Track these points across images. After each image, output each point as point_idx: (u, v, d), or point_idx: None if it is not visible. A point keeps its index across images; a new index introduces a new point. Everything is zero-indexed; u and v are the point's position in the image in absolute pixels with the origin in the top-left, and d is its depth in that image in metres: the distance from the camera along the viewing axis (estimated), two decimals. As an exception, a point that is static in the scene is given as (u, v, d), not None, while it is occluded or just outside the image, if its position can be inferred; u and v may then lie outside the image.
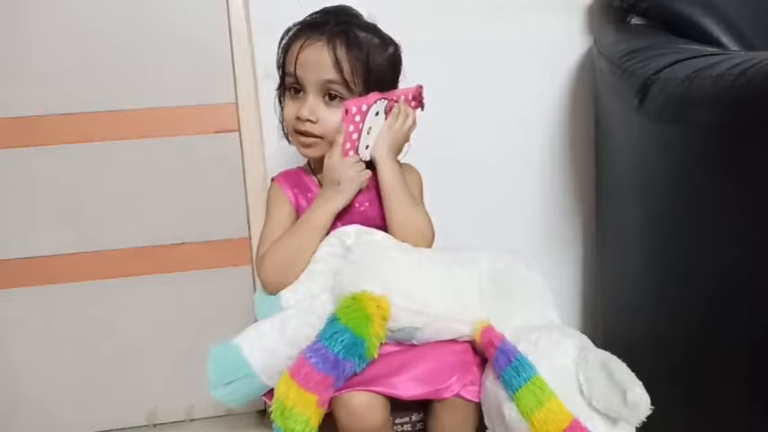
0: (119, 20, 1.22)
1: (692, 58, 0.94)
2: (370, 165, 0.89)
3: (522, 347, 0.75)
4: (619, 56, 1.10)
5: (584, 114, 1.38)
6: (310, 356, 0.72)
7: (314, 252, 0.85)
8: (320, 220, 0.85)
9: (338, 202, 0.85)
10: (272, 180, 0.94)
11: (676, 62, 0.94)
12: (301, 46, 0.84)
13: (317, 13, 0.89)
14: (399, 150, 0.91)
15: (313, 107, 0.85)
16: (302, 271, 0.85)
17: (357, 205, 0.89)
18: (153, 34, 1.23)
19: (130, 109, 1.25)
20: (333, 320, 0.74)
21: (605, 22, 1.31)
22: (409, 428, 0.85)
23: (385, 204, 0.87)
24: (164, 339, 1.34)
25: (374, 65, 0.86)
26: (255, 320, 0.88)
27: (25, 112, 1.22)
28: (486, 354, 0.77)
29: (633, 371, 1.13)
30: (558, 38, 1.36)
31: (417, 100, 0.92)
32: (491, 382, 0.76)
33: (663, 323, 1.03)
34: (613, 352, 1.26)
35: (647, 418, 0.73)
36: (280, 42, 0.89)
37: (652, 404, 0.70)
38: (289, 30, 0.89)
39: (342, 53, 0.84)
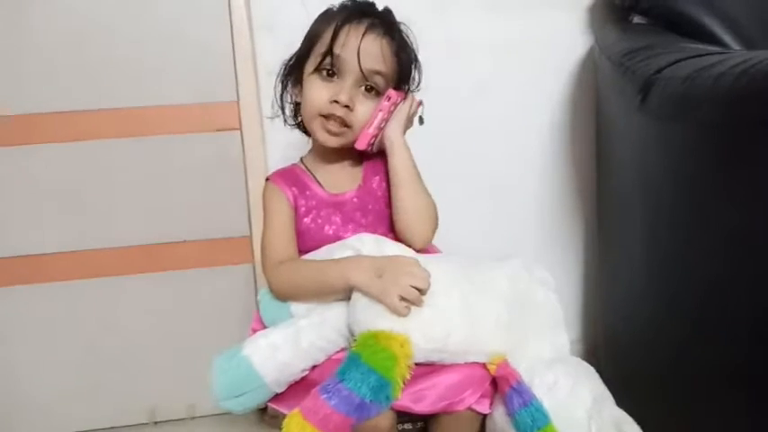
0: (120, 18, 1.22)
1: (693, 57, 0.94)
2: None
3: (536, 389, 0.76)
4: (620, 55, 1.10)
5: (585, 113, 1.38)
6: (329, 398, 0.68)
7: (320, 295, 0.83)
8: (336, 282, 0.79)
9: (359, 283, 0.77)
10: (268, 180, 0.92)
11: (678, 61, 0.94)
12: (363, 33, 0.84)
13: (357, 1, 0.89)
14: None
15: (352, 94, 0.85)
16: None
17: (349, 197, 0.89)
18: (154, 32, 1.23)
19: (132, 107, 1.25)
20: (355, 360, 0.70)
21: (607, 21, 1.31)
22: (409, 427, 0.85)
23: (398, 188, 0.87)
24: (165, 337, 1.35)
25: (412, 65, 0.89)
26: (259, 319, 0.87)
27: (26, 110, 1.22)
28: (500, 388, 0.77)
29: (632, 370, 1.14)
30: (560, 37, 1.36)
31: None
32: (500, 416, 0.76)
33: (663, 322, 1.03)
34: (613, 351, 1.27)
35: (648, 414, 0.73)
36: (322, 22, 0.87)
37: (653, 402, 0.70)
38: (332, 11, 0.88)
39: (395, 48, 0.86)
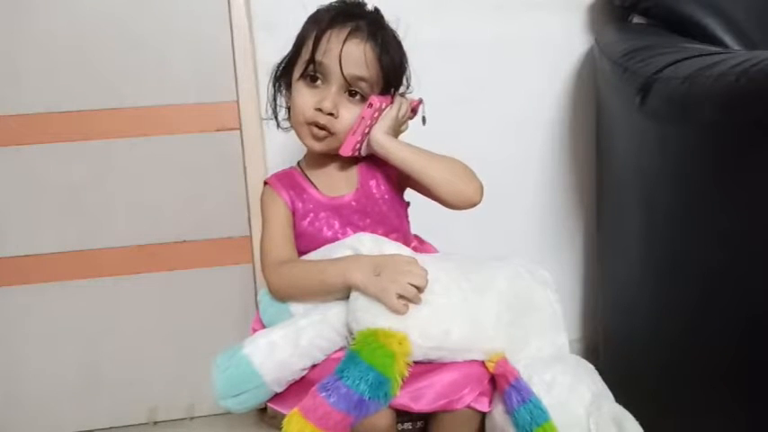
0: (119, 18, 1.22)
1: (693, 57, 0.94)
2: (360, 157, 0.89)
3: (535, 386, 0.76)
4: (620, 55, 1.10)
5: (585, 113, 1.38)
6: (328, 395, 0.69)
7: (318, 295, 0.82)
8: (335, 281, 0.79)
9: (357, 282, 0.77)
10: (266, 183, 0.92)
11: (677, 61, 0.94)
12: (345, 39, 0.82)
13: (345, 2, 0.88)
14: (396, 136, 0.89)
15: (336, 101, 0.84)
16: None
17: (347, 200, 0.89)
18: (154, 32, 1.23)
19: (131, 107, 1.25)
20: (354, 357, 0.71)
21: (606, 22, 1.31)
22: (410, 427, 0.85)
23: (416, 173, 0.84)
24: (164, 337, 1.35)
25: (399, 69, 0.88)
26: (260, 319, 0.87)
27: (26, 109, 1.22)
28: (498, 386, 0.77)
29: (632, 368, 1.14)
30: (560, 37, 1.36)
31: (414, 112, 0.93)
32: (499, 414, 0.76)
33: (661, 321, 1.03)
34: (613, 350, 1.27)
35: (647, 411, 0.73)
36: (309, 25, 0.87)
37: (652, 400, 0.71)
38: (319, 14, 0.87)
39: (378, 52, 0.84)
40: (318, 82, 0.85)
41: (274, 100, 0.93)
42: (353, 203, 0.89)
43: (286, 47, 0.91)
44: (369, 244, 0.83)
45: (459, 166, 0.86)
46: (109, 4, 1.21)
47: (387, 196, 0.90)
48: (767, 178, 0.78)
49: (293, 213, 0.89)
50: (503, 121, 1.37)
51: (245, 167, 1.29)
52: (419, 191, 0.89)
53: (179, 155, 1.28)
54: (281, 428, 0.71)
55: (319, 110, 0.84)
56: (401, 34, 0.89)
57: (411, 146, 0.86)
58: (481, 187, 0.86)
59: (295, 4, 0.92)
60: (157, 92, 1.25)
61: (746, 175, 0.81)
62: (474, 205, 0.86)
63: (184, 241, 1.31)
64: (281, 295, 0.84)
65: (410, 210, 0.95)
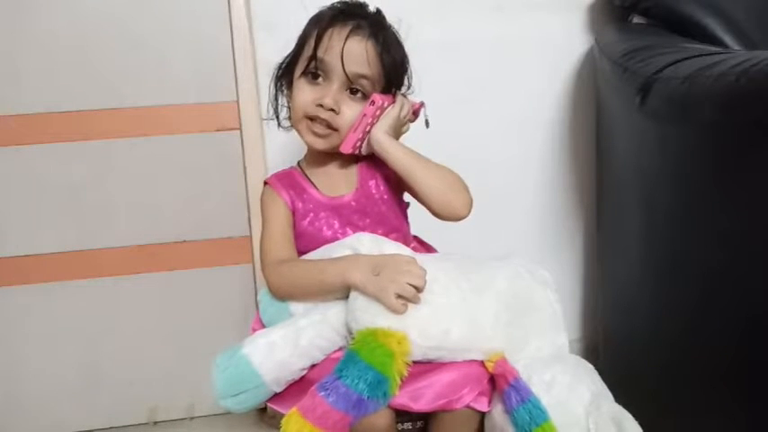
0: (119, 18, 1.22)
1: (693, 57, 0.94)
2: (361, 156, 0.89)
3: (535, 386, 0.76)
4: (620, 55, 1.10)
5: (585, 113, 1.39)
6: (327, 395, 0.69)
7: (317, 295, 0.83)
8: (334, 281, 0.79)
9: (356, 281, 0.77)
10: (266, 183, 0.92)
11: (677, 61, 0.94)
12: (347, 37, 0.83)
13: (347, 2, 0.88)
14: (397, 137, 0.90)
15: (337, 98, 0.84)
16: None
17: (347, 200, 0.89)
18: (154, 32, 1.23)
19: (131, 107, 1.25)
20: (353, 357, 0.71)
21: (606, 22, 1.31)
22: (409, 427, 0.85)
23: (409, 178, 0.85)
24: (164, 337, 1.35)
25: (401, 68, 0.88)
26: (260, 319, 0.88)
27: (26, 109, 1.22)
28: (498, 386, 0.77)
29: (631, 368, 1.14)
30: (560, 37, 1.36)
31: (416, 115, 0.93)
32: (499, 413, 0.76)
33: (661, 321, 1.03)
34: (613, 350, 1.27)
35: (647, 411, 0.73)
36: (311, 25, 0.87)
37: (652, 400, 0.71)
38: (321, 14, 0.87)
39: (380, 50, 0.84)
40: (320, 79, 0.85)
41: (276, 99, 0.93)
42: (353, 203, 0.89)
43: (286, 47, 0.91)
44: (368, 244, 0.83)
45: (454, 178, 0.86)
46: (109, 4, 1.21)
47: (386, 196, 0.90)
48: (767, 178, 0.78)
49: (293, 213, 0.89)
50: (503, 122, 1.37)
51: (245, 167, 1.29)
52: (412, 195, 0.89)
53: (179, 155, 1.28)
54: (280, 428, 0.71)
55: (320, 106, 0.84)
56: (402, 35, 0.90)
57: (410, 150, 0.86)
58: (471, 203, 0.86)
59: (295, 5, 0.92)
60: (157, 92, 1.25)
61: (746, 175, 0.81)
62: (460, 219, 0.86)
63: (184, 241, 1.31)
64: (281, 295, 0.84)
65: (410, 210, 0.95)
